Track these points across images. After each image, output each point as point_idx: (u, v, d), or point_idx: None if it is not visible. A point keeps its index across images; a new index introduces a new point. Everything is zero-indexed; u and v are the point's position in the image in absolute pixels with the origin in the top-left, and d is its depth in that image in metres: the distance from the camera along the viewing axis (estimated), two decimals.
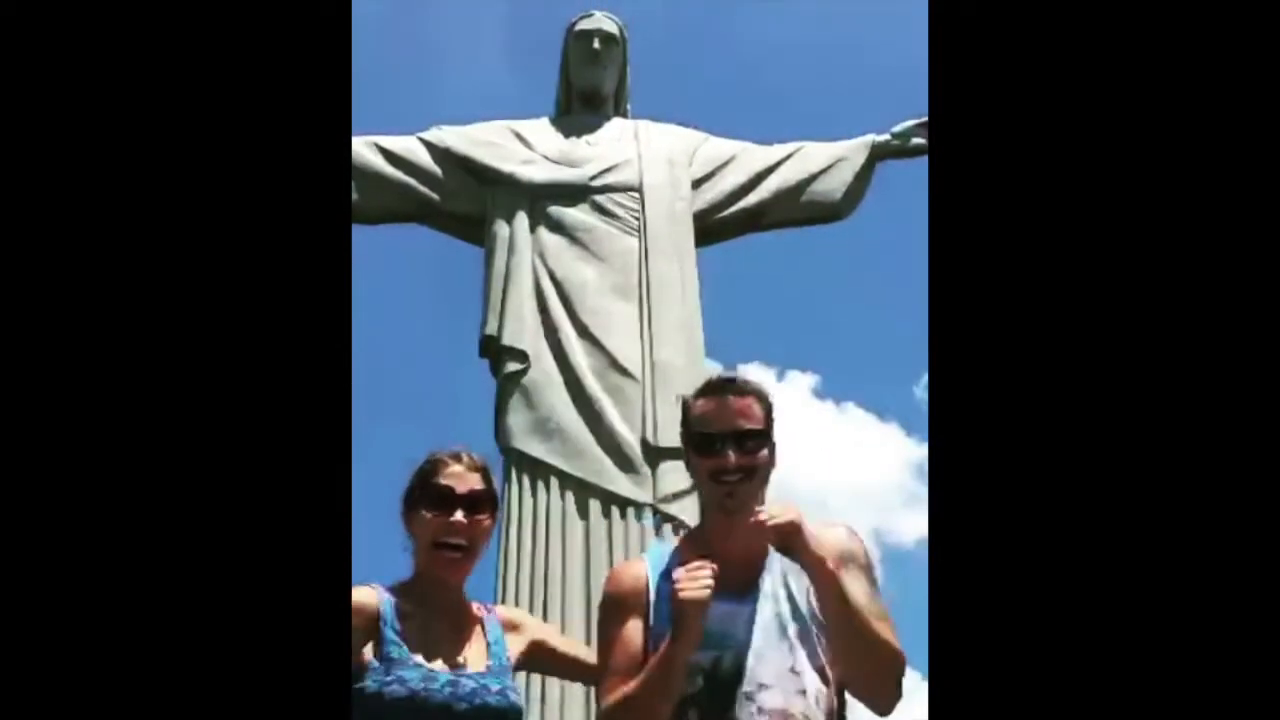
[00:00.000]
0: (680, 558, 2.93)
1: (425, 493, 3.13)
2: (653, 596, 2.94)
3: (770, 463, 3.01)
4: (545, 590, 6.77)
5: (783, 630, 2.88)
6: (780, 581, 2.92)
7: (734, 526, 2.92)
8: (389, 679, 2.85)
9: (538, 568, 6.82)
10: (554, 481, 7.07)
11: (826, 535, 2.93)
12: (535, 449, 7.14)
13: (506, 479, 7.16)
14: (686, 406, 3.08)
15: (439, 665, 2.95)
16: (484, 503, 3.12)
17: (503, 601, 6.81)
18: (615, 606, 3.02)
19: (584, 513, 6.96)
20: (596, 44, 8.70)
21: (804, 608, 2.90)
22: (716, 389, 3.03)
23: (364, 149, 8.23)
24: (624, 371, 7.35)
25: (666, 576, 2.88)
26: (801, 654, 2.86)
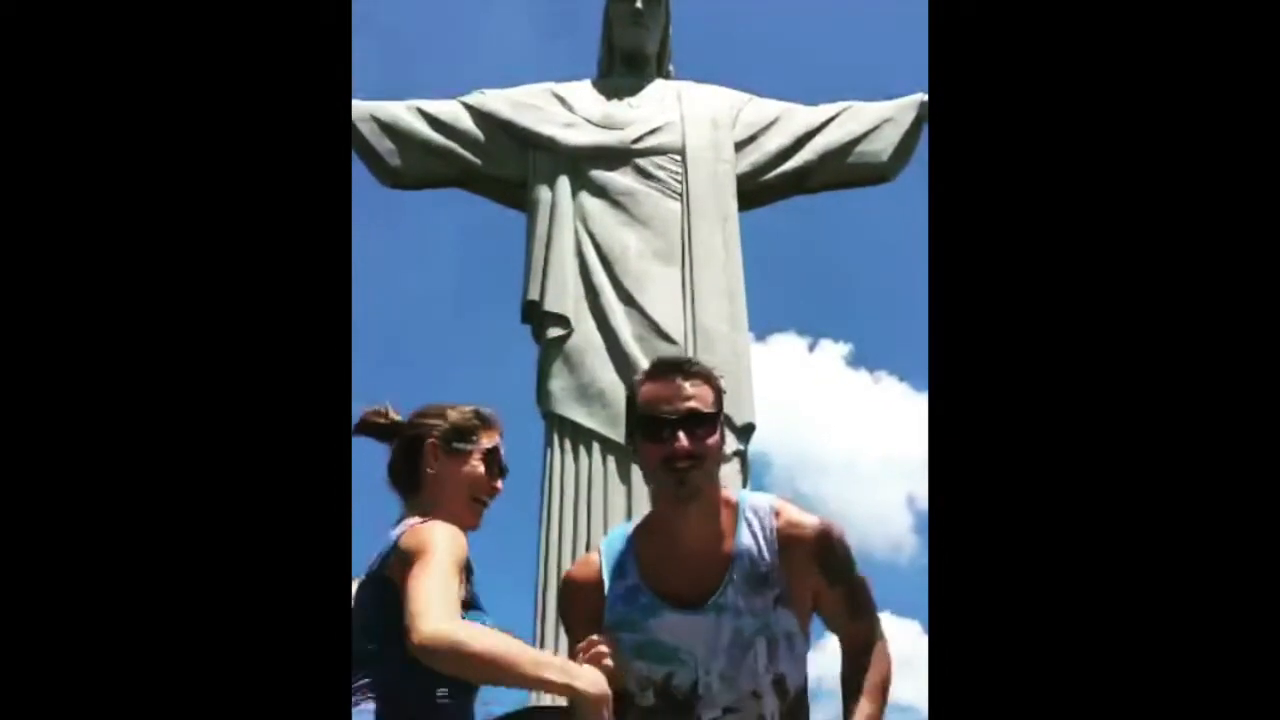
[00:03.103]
0: (634, 549, 2.81)
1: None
2: (607, 588, 2.80)
3: (722, 449, 2.75)
4: None
5: (744, 649, 2.70)
6: (741, 592, 2.71)
7: (688, 517, 2.69)
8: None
9: (580, 533, 6.83)
10: (596, 446, 7.07)
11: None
12: (577, 414, 7.15)
13: (548, 444, 7.19)
14: (633, 390, 2.79)
15: None
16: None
17: (544, 567, 6.85)
18: (567, 596, 2.95)
19: (625, 478, 6.92)
20: (639, 3, 8.55)
21: (769, 623, 2.72)
22: (666, 370, 2.75)
23: (407, 114, 8.23)
24: (666, 337, 7.29)
25: (619, 570, 2.79)
26: (765, 677, 2.72)
